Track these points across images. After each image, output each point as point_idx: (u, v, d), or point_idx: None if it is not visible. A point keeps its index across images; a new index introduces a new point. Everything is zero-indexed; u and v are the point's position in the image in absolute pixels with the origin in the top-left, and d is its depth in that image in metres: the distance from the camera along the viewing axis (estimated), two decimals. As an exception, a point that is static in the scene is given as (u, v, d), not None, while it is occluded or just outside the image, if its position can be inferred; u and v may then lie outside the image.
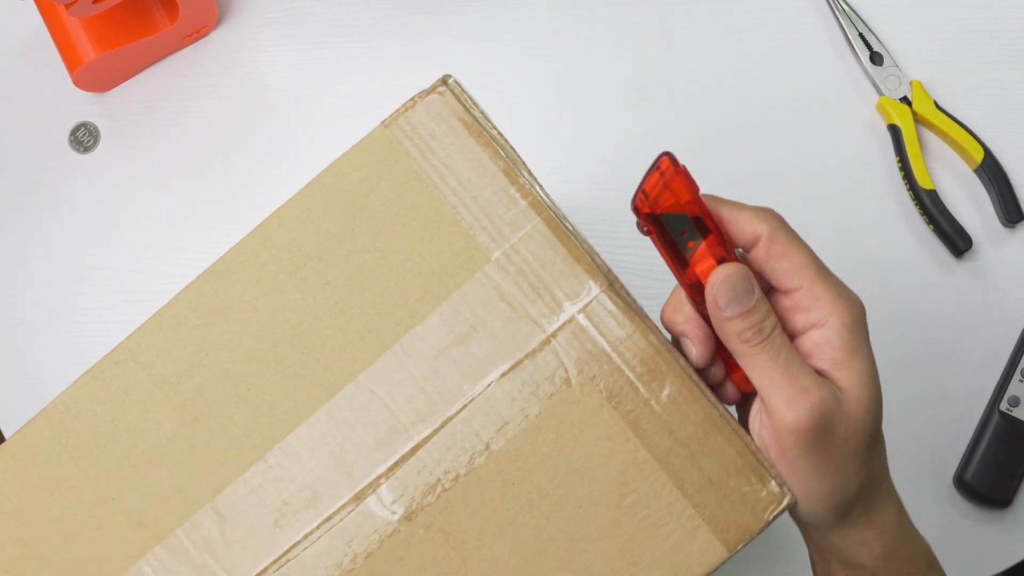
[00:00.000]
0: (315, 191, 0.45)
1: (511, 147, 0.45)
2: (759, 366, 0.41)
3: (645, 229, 0.43)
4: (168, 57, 0.71)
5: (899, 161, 0.67)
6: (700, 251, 0.42)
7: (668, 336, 0.45)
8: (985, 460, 0.63)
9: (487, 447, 0.43)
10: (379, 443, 0.43)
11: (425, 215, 0.44)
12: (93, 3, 0.62)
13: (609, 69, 0.70)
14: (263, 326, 0.44)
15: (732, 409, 0.46)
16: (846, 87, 0.69)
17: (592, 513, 0.42)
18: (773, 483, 0.42)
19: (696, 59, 0.70)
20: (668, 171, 0.42)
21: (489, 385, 0.43)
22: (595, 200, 0.68)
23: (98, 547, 0.44)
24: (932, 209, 0.66)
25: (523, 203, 0.44)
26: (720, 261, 0.42)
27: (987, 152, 0.66)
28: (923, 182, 0.66)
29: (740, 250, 0.44)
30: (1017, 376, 0.64)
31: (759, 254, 0.42)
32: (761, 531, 0.42)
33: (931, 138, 0.68)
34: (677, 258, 0.43)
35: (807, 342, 0.42)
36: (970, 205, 0.67)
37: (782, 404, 0.40)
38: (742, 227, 0.42)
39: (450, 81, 0.45)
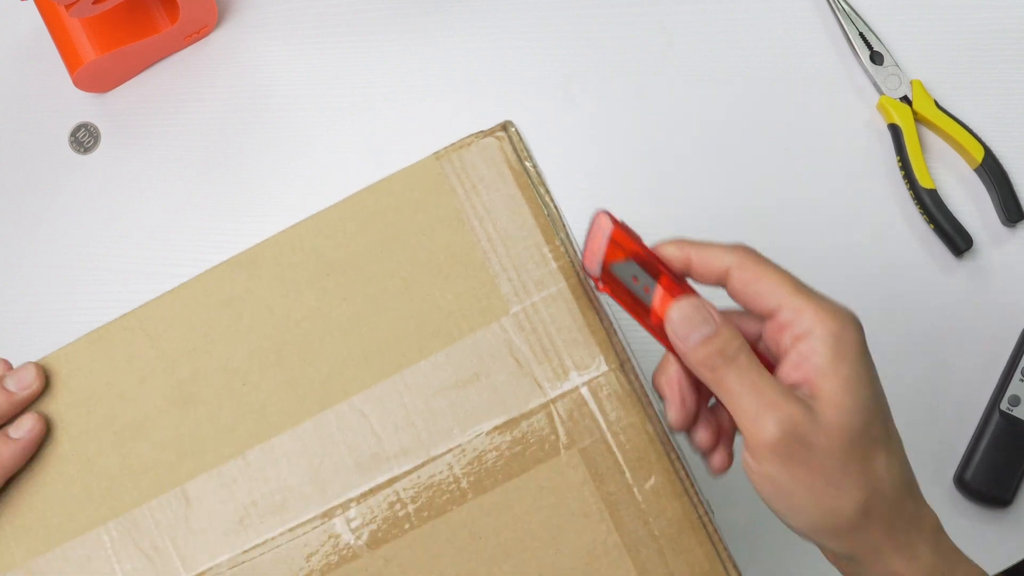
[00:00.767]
0: (355, 205, 0.45)
1: (555, 206, 0.45)
2: (727, 391, 0.41)
3: (599, 286, 0.43)
4: (168, 57, 0.71)
5: (899, 161, 0.67)
6: (657, 294, 0.43)
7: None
8: (985, 460, 0.63)
9: (464, 495, 0.43)
10: (359, 466, 0.43)
11: (456, 254, 0.44)
12: (93, 3, 0.62)
13: (609, 69, 0.70)
14: (273, 325, 0.44)
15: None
16: (846, 87, 0.69)
17: (551, 585, 0.42)
18: (736, 596, 0.41)
19: (696, 59, 0.70)
20: (606, 226, 0.42)
21: (479, 435, 0.43)
22: (594, 200, 0.68)
23: (62, 504, 0.44)
24: (932, 209, 0.66)
25: (554, 264, 0.44)
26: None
27: (987, 151, 0.66)
28: (923, 182, 0.66)
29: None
30: (1017, 376, 0.64)
31: (734, 285, 0.42)
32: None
33: (931, 138, 0.68)
34: (638, 307, 0.43)
35: (795, 356, 0.41)
36: (970, 205, 0.67)
37: (750, 422, 0.40)
38: (711, 263, 0.42)
39: (511, 129, 0.45)
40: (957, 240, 0.65)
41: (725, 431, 0.45)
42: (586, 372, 0.43)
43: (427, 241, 0.44)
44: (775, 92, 0.69)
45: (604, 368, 0.43)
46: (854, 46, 0.69)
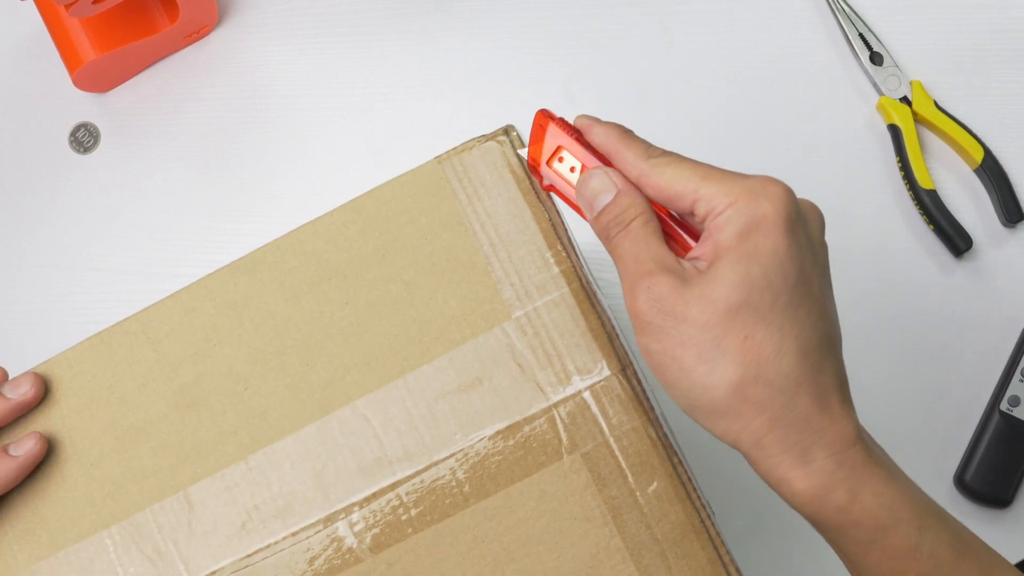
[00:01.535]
0: (356, 209, 0.45)
1: (557, 211, 0.45)
2: (617, 259, 0.40)
3: (543, 183, 0.43)
4: (168, 57, 0.71)
5: (899, 161, 0.67)
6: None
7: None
8: (985, 460, 0.63)
9: (466, 500, 0.43)
10: (362, 471, 0.43)
11: (458, 258, 0.44)
12: (93, 3, 0.62)
13: (609, 69, 0.70)
14: (275, 330, 0.44)
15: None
16: (846, 87, 0.69)
17: (554, 588, 0.42)
18: (738, 601, 0.42)
19: (696, 59, 0.70)
20: (545, 123, 0.42)
21: (481, 439, 0.43)
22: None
23: (64, 508, 0.44)
24: (932, 209, 0.66)
25: (556, 269, 0.44)
26: None
27: (987, 152, 0.67)
28: (923, 182, 0.66)
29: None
30: (1017, 376, 0.64)
31: (649, 193, 0.41)
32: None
33: (931, 138, 0.69)
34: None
35: (705, 233, 0.39)
36: (970, 205, 0.68)
37: (626, 290, 0.39)
38: (626, 170, 0.41)
39: (513, 133, 0.45)
40: (957, 240, 0.65)
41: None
42: (588, 376, 0.43)
43: (429, 245, 0.44)
44: (775, 92, 0.69)
45: (606, 372, 0.43)
46: (854, 47, 0.69)
